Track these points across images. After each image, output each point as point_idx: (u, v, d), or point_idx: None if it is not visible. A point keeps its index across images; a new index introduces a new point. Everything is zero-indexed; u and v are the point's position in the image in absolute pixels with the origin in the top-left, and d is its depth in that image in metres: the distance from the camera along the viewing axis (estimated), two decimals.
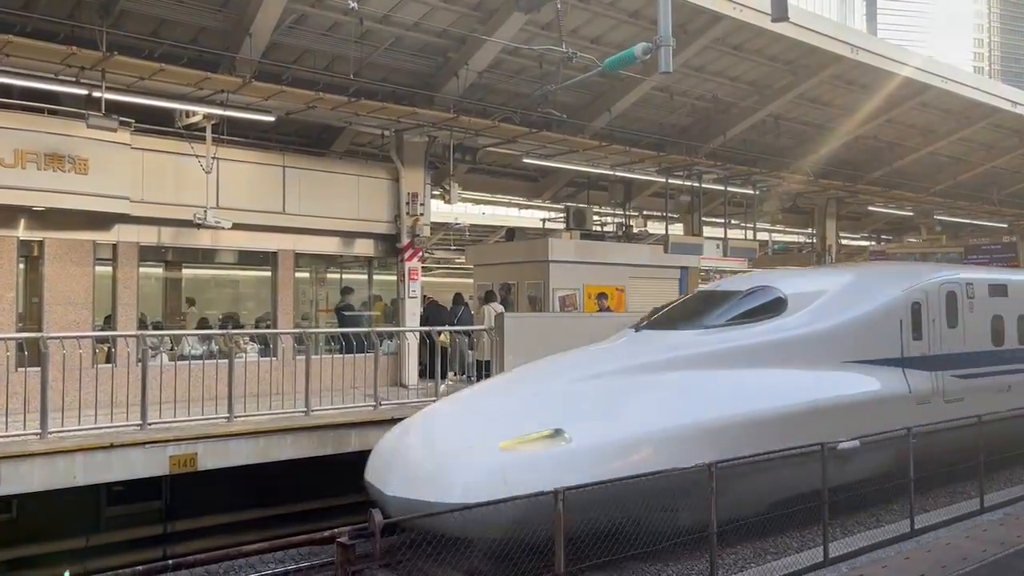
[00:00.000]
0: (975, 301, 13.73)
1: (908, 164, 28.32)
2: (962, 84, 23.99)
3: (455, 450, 8.94)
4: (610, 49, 16.84)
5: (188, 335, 15.52)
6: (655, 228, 27.00)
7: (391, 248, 18.35)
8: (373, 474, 9.26)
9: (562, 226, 24.47)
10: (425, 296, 19.67)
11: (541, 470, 8.40)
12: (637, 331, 11.89)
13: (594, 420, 9.32)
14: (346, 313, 17.90)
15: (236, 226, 15.48)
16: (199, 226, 15.09)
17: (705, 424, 9.66)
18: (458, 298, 20.10)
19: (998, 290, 14.47)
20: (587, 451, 8.81)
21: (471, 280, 25.41)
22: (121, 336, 13.86)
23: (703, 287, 13.48)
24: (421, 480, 8.62)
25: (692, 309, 12.13)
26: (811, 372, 10.97)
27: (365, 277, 18.95)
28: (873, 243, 36.65)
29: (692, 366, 10.50)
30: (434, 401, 12.30)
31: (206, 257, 17.28)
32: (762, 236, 29.17)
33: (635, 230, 26.07)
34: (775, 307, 11.62)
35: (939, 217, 31.92)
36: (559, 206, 26.53)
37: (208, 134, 15.36)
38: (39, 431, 10.91)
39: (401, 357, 17.60)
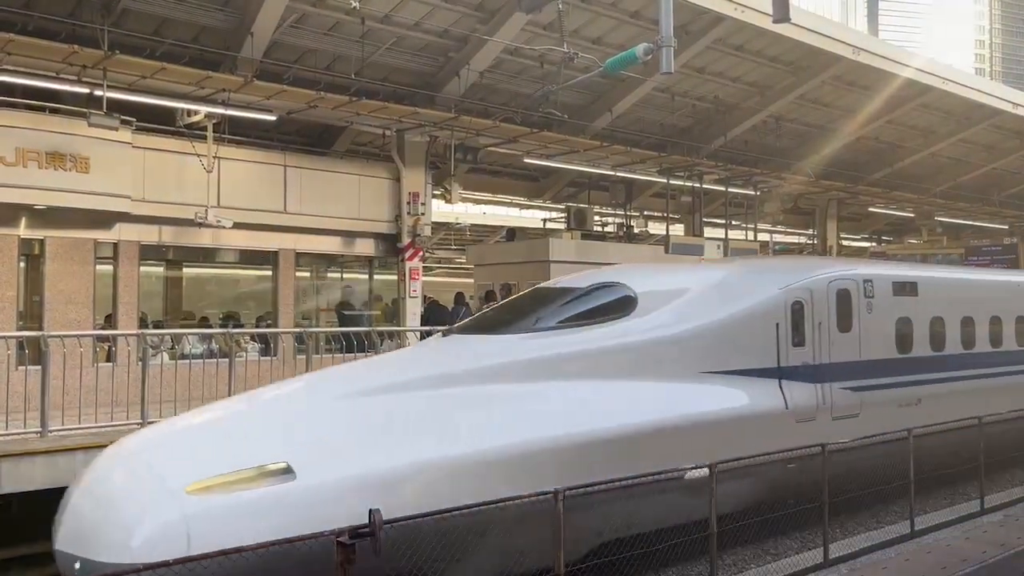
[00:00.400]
0: (875, 301, 11.97)
1: (909, 165, 28.32)
2: (963, 85, 24.01)
3: (129, 492, 6.81)
4: (611, 49, 16.84)
5: (189, 334, 15.53)
6: (656, 229, 26.99)
7: (392, 248, 18.35)
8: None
9: (563, 226, 24.46)
10: (426, 296, 19.68)
11: (240, 519, 6.43)
12: (445, 335, 10.19)
13: (339, 450, 7.32)
14: (346, 312, 17.91)
15: (237, 225, 15.49)
16: (200, 225, 15.10)
17: (495, 452, 7.75)
18: (459, 298, 20.10)
19: (905, 289, 12.74)
20: (315, 491, 6.83)
21: (471, 280, 25.40)
22: (121, 335, 13.86)
23: (544, 283, 11.68)
24: (83, 532, 6.61)
25: (518, 309, 10.25)
26: (658, 384, 9.31)
27: (366, 276, 18.96)
28: (874, 244, 36.65)
29: (501, 378, 8.59)
30: None
31: (207, 256, 17.29)
32: (763, 237, 29.15)
33: (636, 231, 26.07)
34: (621, 307, 9.87)
35: (940, 218, 31.93)
36: (560, 206, 26.53)
37: (209, 133, 15.37)
38: (39, 430, 10.92)
39: None
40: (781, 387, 10.42)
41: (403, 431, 7.73)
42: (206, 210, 14.95)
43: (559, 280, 11.44)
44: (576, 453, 8.15)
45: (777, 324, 10.60)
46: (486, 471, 7.55)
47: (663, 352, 9.68)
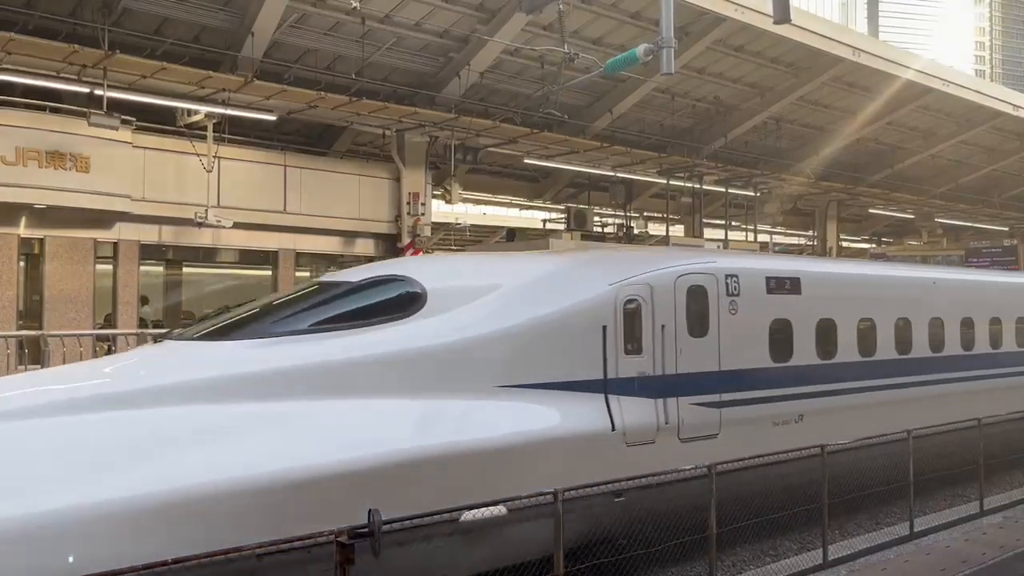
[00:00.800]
0: (742, 300, 10.06)
1: (909, 167, 28.34)
2: (964, 87, 24.05)
3: None
4: (612, 50, 16.84)
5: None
6: (656, 229, 27.00)
7: (392, 248, 18.36)
8: None
9: (563, 227, 24.46)
10: None
11: None
12: (157, 341, 8.54)
13: None
14: None
15: (237, 225, 15.50)
16: (200, 225, 15.10)
17: (168, 493, 6.03)
18: None
19: (785, 285, 10.81)
20: None
21: None
22: (121, 334, 13.85)
23: (322, 277, 9.99)
24: None
25: (264, 309, 8.50)
26: (431, 403, 7.62)
27: None
28: (874, 246, 36.68)
29: (200, 398, 6.84)
30: None
31: (207, 256, 17.28)
32: (763, 238, 29.18)
33: (636, 231, 26.07)
34: (401, 306, 8.17)
35: (940, 220, 31.96)
36: (560, 207, 26.54)
37: (209, 133, 15.38)
38: None
39: None
40: (608, 403, 8.64)
41: (25, 469, 5.99)
42: (206, 210, 14.96)
43: (338, 273, 9.70)
44: (268, 496, 6.38)
45: (604, 327, 8.78)
46: (120, 524, 5.80)
47: (447, 362, 7.92)
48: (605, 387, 8.71)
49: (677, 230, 26.09)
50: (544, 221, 28.19)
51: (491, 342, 8.20)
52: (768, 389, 10.27)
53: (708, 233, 25.35)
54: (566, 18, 15.15)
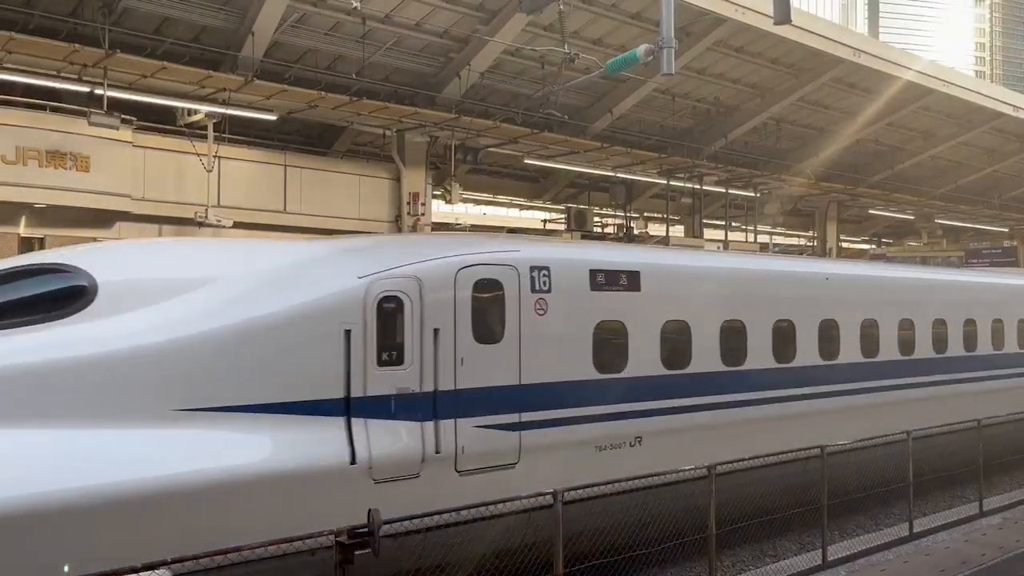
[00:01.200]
0: (555, 297, 8.35)
1: (909, 168, 28.34)
2: (964, 88, 24.05)
3: None
4: (612, 51, 16.84)
5: None
6: (656, 230, 27.01)
7: None
8: None
9: (563, 227, 24.46)
10: None
11: None
12: None
13: None
14: None
15: (237, 225, 15.49)
16: (200, 224, 15.10)
17: None
18: None
19: (617, 281, 9.00)
20: None
21: None
22: None
23: None
24: None
25: None
26: (68, 432, 5.95)
27: None
28: (874, 246, 36.69)
29: None
30: None
31: None
32: (763, 239, 29.20)
33: (636, 231, 26.07)
34: (55, 304, 6.49)
35: (940, 221, 31.96)
36: (560, 207, 26.53)
37: (210, 133, 15.38)
38: None
39: None
40: (350, 428, 6.98)
41: None
42: (206, 209, 14.96)
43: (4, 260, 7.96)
44: None
45: (348, 332, 7.08)
46: None
47: (101, 378, 6.20)
48: (347, 408, 7.02)
49: (677, 231, 26.10)
50: (544, 221, 28.19)
51: (171, 352, 6.43)
52: (591, 406, 8.53)
53: (708, 234, 25.36)
54: (566, 19, 15.14)
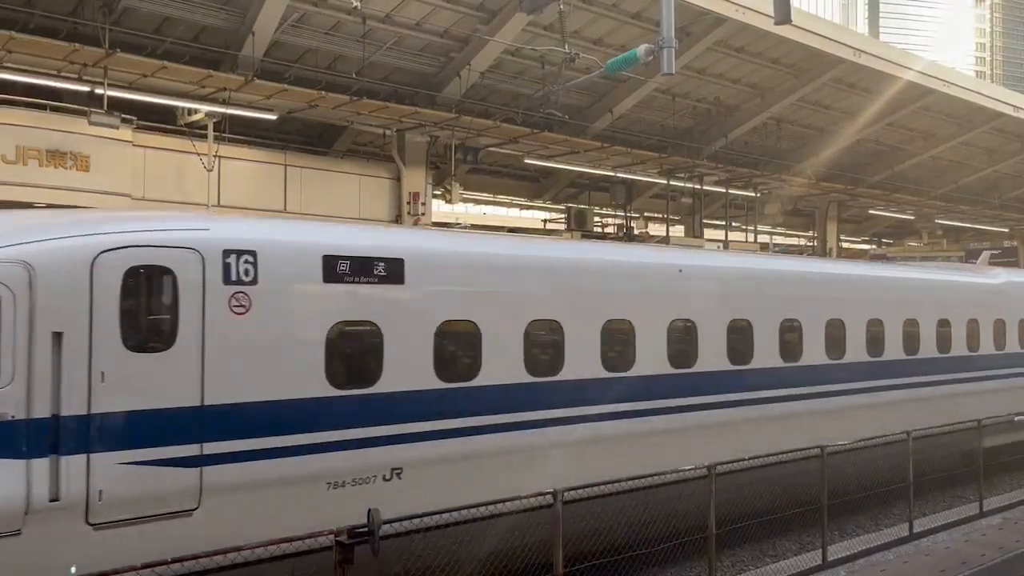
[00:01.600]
0: (262, 292, 6.71)
1: (909, 168, 28.33)
2: (964, 88, 24.05)
3: None
4: (612, 50, 16.84)
5: None
6: (656, 230, 27.01)
7: None
8: None
9: (563, 227, 24.46)
10: None
11: None
12: None
13: None
14: None
15: None
16: None
17: None
18: None
19: (367, 271, 7.28)
20: None
21: None
22: None
23: None
24: None
25: None
26: None
27: None
28: (874, 247, 36.69)
29: None
30: None
31: None
32: (763, 239, 29.20)
33: (636, 231, 26.07)
34: None
35: (940, 221, 31.96)
36: (560, 207, 26.53)
37: (210, 132, 15.37)
38: None
39: None
40: None
41: None
42: (206, 208, 14.94)
43: None
44: None
45: None
46: None
47: None
48: None
49: (678, 230, 26.10)
50: (544, 221, 28.20)
51: None
52: (320, 431, 6.84)
53: (708, 233, 25.35)
54: (567, 18, 15.14)
